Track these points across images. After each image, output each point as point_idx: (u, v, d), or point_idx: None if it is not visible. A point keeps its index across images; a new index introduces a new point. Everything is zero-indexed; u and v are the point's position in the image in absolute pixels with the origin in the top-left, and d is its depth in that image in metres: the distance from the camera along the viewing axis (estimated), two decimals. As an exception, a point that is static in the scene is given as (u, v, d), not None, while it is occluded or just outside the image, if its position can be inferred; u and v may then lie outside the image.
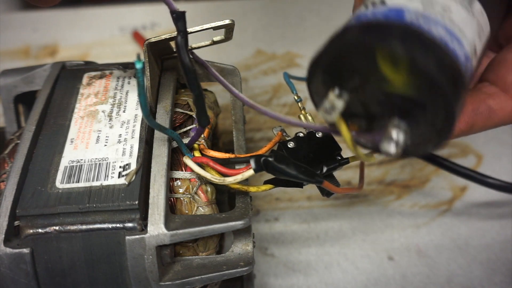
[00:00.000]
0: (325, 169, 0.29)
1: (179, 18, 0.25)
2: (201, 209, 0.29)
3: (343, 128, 0.23)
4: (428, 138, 0.22)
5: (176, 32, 0.30)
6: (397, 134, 0.21)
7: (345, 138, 0.23)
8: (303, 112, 0.32)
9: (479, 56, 0.23)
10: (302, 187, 0.29)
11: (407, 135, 0.21)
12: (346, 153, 0.29)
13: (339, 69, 0.22)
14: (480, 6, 0.23)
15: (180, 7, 0.26)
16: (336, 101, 0.22)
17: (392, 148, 0.21)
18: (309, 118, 0.32)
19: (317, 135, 0.31)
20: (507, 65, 0.26)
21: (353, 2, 0.28)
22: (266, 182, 0.29)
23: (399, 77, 0.20)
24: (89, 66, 0.36)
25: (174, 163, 0.30)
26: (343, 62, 0.21)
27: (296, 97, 0.33)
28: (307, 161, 0.28)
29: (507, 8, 0.28)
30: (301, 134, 0.30)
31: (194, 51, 0.32)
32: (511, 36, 0.28)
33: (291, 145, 0.30)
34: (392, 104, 0.21)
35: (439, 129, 0.21)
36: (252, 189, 0.29)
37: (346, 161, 0.30)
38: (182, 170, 0.30)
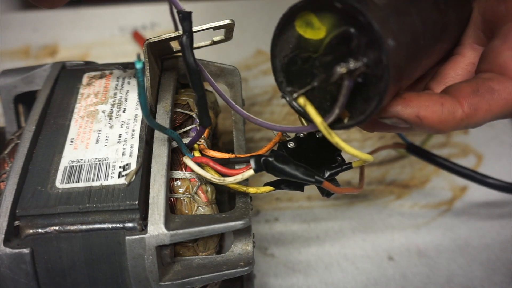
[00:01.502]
0: (327, 174, 0.29)
1: (185, 18, 0.25)
2: (201, 209, 0.29)
3: (310, 109, 0.25)
4: (377, 59, 0.23)
5: (176, 32, 0.30)
6: (341, 66, 0.23)
7: (315, 120, 0.25)
8: None
9: None
10: (303, 191, 0.29)
11: (355, 63, 0.23)
12: (344, 154, 0.29)
13: (291, 67, 0.26)
14: None
15: (180, 7, 0.26)
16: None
17: (338, 68, 0.23)
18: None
19: (317, 135, 0.30)
20: (496, 51, 0.27)
21: None
22: (266, 184, 0.29)
23: (318, 31, 0.24)
24: (89, 66, 0.36)
25: (174, 163, 0.30)
26: (290, 57, 0.26)
27: None
28: (307, 161, 0.28)
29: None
30: (301, 134, 0.30)
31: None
32: (493, 28, 0.29)
33: (291, 145, 0.30)
34: (340, 59, 0.24)
35: (373, 39, 0.23)
36: (251, 190, 0.29)
37: (349, 165, 0.30)
38: (182, 170, 0.30)
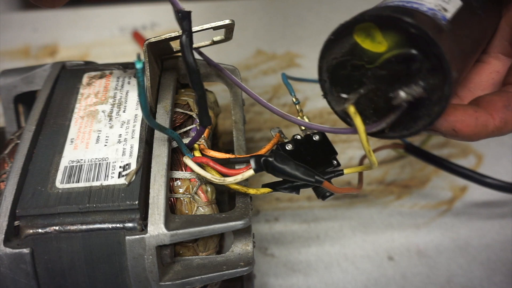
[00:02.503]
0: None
1: (184, 17, 0.25)
2: (201, 209, 0.29)
3: (357, 119, 0.25)
4: (437, 86, 0.23)
5: (176, 32, 0.30)
6: (405, 93, 0.23)
7: (359, 130, 0.25)
8: (300, 114, 0.32)
9: (454, 12, 0.26)
10: (299, 193, 0.29)
11: (417, 89, 0.23)
12: (344, 154, 0.29)
13: (339, 70, 0.26)
14: None
15: (180, 7, 0.26)
16: (351, 95, 0.26)
17: (402, 94, 0.23)
18: (306, 120, 0.32)
19: (314, 138, 0.31)
20: None
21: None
22: (264, 186, 0.29)
23: (378, 44, 0.24)
24: (89, 66, 0.36)
25: (174, 163, 0.30)
26: (342, 62, 0.25)
27: (294, 99, 0.32)
28: (304, 163, 0.28)
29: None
30: (298, 137, 0.30)
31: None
32: None
33: (289, 147, 0.30)
34: (395, 75, 0.24)
35: (438, 67, 0.23)
36: (251, 191, 0.29)
37: (341, 172, 0.30)
38: (182, 170, 0.30)
